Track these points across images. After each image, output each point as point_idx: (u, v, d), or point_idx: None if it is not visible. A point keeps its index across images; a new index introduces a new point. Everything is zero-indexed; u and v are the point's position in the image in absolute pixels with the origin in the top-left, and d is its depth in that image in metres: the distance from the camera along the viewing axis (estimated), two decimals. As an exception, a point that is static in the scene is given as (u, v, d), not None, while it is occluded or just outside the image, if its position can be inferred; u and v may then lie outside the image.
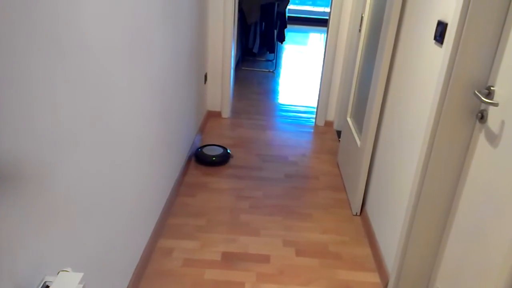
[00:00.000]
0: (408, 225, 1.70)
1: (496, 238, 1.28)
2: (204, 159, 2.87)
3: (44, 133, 0.99)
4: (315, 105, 4.12)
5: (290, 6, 7.65)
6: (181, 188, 2.58)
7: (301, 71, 5.55)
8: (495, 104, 1.32)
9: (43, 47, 0.95)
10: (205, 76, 3.51)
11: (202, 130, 3.39)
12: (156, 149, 2.01)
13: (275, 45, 5.47)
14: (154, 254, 2.02)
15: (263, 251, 2.10)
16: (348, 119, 2.85)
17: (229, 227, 2.26)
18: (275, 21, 5.27)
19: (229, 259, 2.02)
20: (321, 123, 3.75)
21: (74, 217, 1.19)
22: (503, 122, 1.29)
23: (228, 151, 2.98)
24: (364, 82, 2.55)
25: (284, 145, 3.30)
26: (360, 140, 2.47)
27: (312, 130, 3.64)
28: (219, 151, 2.95)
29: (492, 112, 1.37)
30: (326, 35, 3.51)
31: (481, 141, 1.42)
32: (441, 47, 1.53)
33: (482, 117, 1.42)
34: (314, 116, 3.95)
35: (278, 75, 5.27)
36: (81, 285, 0.98)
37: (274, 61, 5.79)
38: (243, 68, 5.41)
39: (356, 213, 2.46)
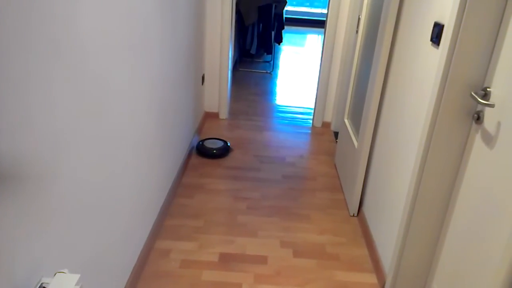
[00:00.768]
0: (405, 226, 1.71)
1: (492, 239, 1.28)
2: (205, 152, 3.00)
3: (41, 134, 0.99)
4: (313, 106, 4.12)
5: (287, 7, 7.66)
6: (178, 189, 2.58)
7: (299, 72, 5.56)
8: (491, 105, 1.33)
9: (40, 47, 0.95)
10: (203, 77, 3.51)
11: (199, 131, 3.39)
12: (153, 150, 2.01)
13: (272, 46, 5.47)
14: (152, 255, 2.01)
15: (261, 252, 2.10)
16: (346, 120, 2.86)
17: (227, 228, 2.26)
18: (272, 23, 5.28)
19: (227, 260, 2.02)
20: (318, 124, 3.75)
21: (71, 218, 1.18)
22: (499, 123, 1.30)
23: (228, 144, 3.12)
24: (361, 83, 2.56)
25: (281, 146, 3.30)
26: (357, 141, 2.47)
27: (310, 131, 3.65)
28: (220, 144, 3.08)
29: (488, 113, 1.37)
30: (323, 36, 3.52)
31: (478, 142, 1.43)
32: (437, 48, 1.53)
33: (478, 118, 1.43)
34: (311, 117, 3.95)
35: (276, 76, 5.27)
36: (78, 287, 0.98)
37: (272, 62, 5.79)
38: (240, 69, 5.41)
39: (353, 214, 2.46)
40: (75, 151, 1.17)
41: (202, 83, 3.52)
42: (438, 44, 1.52)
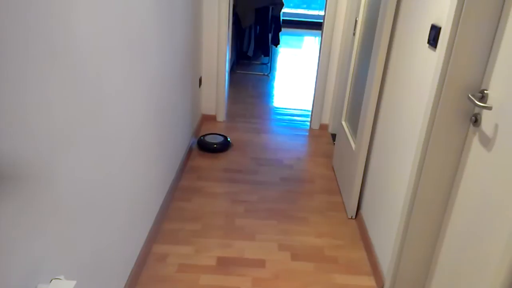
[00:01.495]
0: (403, 229, 1.70)
1: (491, 241, 1.28)
2: (207, 146, 3.12)
3: (36, 137, 0.98)
4: (310, 108, 4.12)
5: (284, 10, 7.68)
6: (176, 192, 2.57)
7: (296, 74, 5.56)
8: (489, 108, 1.32)
9: (37, 49, 0.94)
10: (200, 80, 3.51)
11: (197, 134, 3.38)
12: (150, 153, 2.00)
13: (269, 48, 5.47)
14: (149, 259, 2.00)
15: (259, 255, 2.09)
16: (343, 122, 2.86)
17: (225, 231, 2.25)
18: (269, 25, 5.28)
19: (225, 264, 2.01)
20: (316, 126, 3.75)
21: (67, 223, 1.17)
22: (496, 126, 1.30)
23: (228, 139, 3.23)
24: (359, 85, 2.55)
25: (279, 149, 3.29)
26: (355, 143, 2.47)
27: (307, 133, 3.65)
28: (220, 139, 3.20)
29: (485, 116, 1.37)
30: (320, 38, 3.52)
31: (475, 144, 1.43)
32: (434, 50, 1.53)
33: (476, 120, 1.43)
34: (309, 119, 3.95)
35: (273, 78, 5.27)
36: (74, 293, 0.97)
37: (269, 64, 5.80)
38: (238, 71, 5.41)
39: (352, 216, 2.46)
40: (71, 156, 1.16)
41: (200, 86, 3.51)
42: (435, 47, 1.52)
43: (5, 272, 0.90)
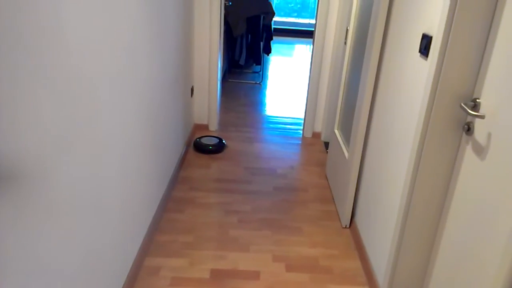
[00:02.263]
0: (398, 238, 1.69)
1: (487, 250, 1.27)
2: (202, 148, 3.24)
3: (26, 147, 0.95)
4: (302, 117, 4.12)
5: (275, 18, 7.72)
6: (168, 203, 2.54)
7: (288, 83, 5.57)
8: (481, 117, 1.32)
9: (26, 60, 0.92)
10: (192, 89, 3.49)
11: (189, 144, 3.35)
12: (142, 164, 1.97)
13: (261, 57, 5.48)
14: (141, 273, 1.96)
15: (253, 267, 2.06)
16: (336, 130, 2.85)
17: (218, 243, 2.22)
18: (261, 33, 5.30)
19: (218, 277, 1.98)
20: (308, 134, 3.75)
21: (55, 238, 1.14)
22: (489, 134, 1.30)
23: (223, 141, 3.34)
24: (351, 94, 2.56)
25: (272, 158, 3.28)
26: (348, 151, 2.46)
27: (300, 142, 3.64)
28: (215, 141, 3.33)
29: (478, 124, 1.37)
30: (312, 47, 3.54)
31: (468, 153, 1.43)
32: (426, 60, 1.54)
33: (468, 129, 1.43)
34: (301, 127, 3.95)
35: (265, 87, 5.28)
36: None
37: (261, 72, 5.81)
38: (229, 80, 5.41)
39: (346, 225, 2.44)
40: (61, 166, 1.13)
41: (191, 95, 3.49)
42: (427, 56, 1.52)
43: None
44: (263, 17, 5.18)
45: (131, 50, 1.71)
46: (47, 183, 1.07)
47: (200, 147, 3.24)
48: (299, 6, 10.29)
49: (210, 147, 3.23)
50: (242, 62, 5.40)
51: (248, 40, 5.40)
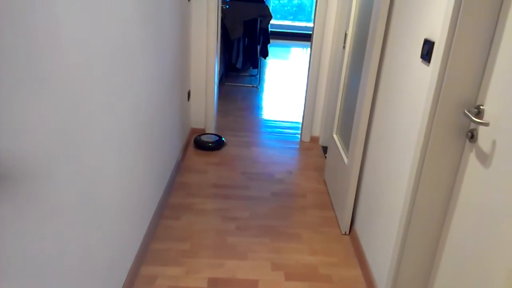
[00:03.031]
0: (400, 246, 1.66)
1: (491, 259, 1.24)
2: (202, 145, 3.35)
3: (21, 157, 0.91)
4: (300, 120, 4.09)
5: (271, 21, 7.70)
6: (165, 210, 2.49)
7: (285, 86, 5.54)
8: (486, 124, 1.30)
9: (20, 71, 0.88)
10: (189, 93, 3.45)
11: (186, 148, 3.31)
12: (138, 170, 1.93)
13: (258, 60, 5.46)
14: (137, 282, 1.92)
15: (251, 276, 2.02)
16: (334, 135, 2.82)
17: (215, 251, 2.17)
18: (258, 37, 5.27)
19: (216, 286, 1.94)
20: (306, 139, 3.72)
21: (50, 249, 1.10)
22: (494, 142, 1.27)
23: (223, 139, 3.46)
24: (350, 99, 2.53)
25: (270, 162, 3.24)
26: (347, 157, 2.43)
27: (298, 146, 3.61)
28: (215, 138, 3.44)
29: (482, 132, 1.34)
30: (310, 51, 3.51)
31: (472, 160, 1.40)
32: (428, 65, 1.51)
33: (472, 136, 1.40)
34: (299, 131, 3.92)
35: (262, 90, 5.25)
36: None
37: (258, 76, 5.78)
38: (226, 83, 5.38)
39: (345, 232, 2.41)
40: (55, 173, 1.09)
41: (188, 99, 3.45)
42: (429, 62, 1.49)
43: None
44: (260, 21, 5.15)
45: (126, 54, 1.67)
46: (42, 190, 1.03)
47: (200, 144, 3.35)
48: (295, 9, 10.28)
49: (210, 144, 3.34)
50: (239, 65, 5.37)
51: (245, 44, 5.38)
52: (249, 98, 4.87)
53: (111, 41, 1.48)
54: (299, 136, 3.83)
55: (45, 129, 1.05)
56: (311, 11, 9.73)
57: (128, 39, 1.67)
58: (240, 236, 2.31)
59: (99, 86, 1.39)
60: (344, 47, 2.68)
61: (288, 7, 10.30)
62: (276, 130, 3.95)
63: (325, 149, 3.56)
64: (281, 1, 10.23)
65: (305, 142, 3.71)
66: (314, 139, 3.72)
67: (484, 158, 1.32)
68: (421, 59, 1.58)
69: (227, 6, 4.94)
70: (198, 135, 3.47)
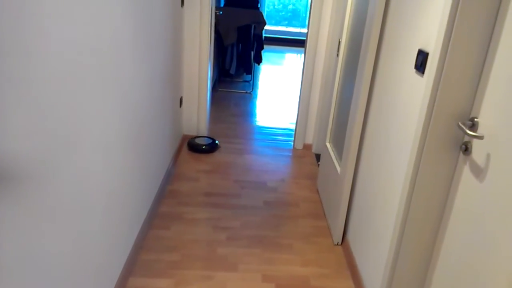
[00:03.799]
0: (392, 258, 1.63)
1: (485, 273, 1.21)
2: (196, 148, 3.38)
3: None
4: (293, 127, 4.07)
5: (266, 27, 7.69)
6: (154, 219, 2.44)
7: (279, 92, 5.52)
8: (480, 137, 1.27)
9: (5, 78, 0.84)
10: (181, 100, 3.41)
11: (177, 155, 3.27)
12: (126, 178, 1.88)
13: (252, 66, 5.43)
14: (124, 295, 1.87)
15: (242, 288, 1.98)
16: (327, 144, 2.80)
17: (205, 262, 2.13)
18: (252, 43, 5.25)
19: (205, 298, 1.89)
20: (299, 146, 3.69)
21: (28, 258, 1.05)
22: (488, 155, 1.25)
23: (216, 142, 3.49)
24: (343, 107, 2.51)
25: (262, 170, 3.21)
26: (340, 166, 2.40)
27: (291, 154, 3.58)
28: (209, 141, 3.48)
29: (476, 145, 1.32)
30: (303, 59, 3.49)
31: (466, 173, 1.37)
32: (422, 76, 1.49)
33: (466, 149, 1.38)
34: (292, 139, 3.89)
35: (256, 96, 5.22)
36: None
37: (251, 82, 5.75)
38: (220, 89, 5.34)
39: (338, 242, 2.37)
40: (43, 183, 1.05)
41: (180, 106, 3.41)
42: (423, 73, 1.47)
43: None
44: (254, 27, 5.14)
45: (115, 59, 1.63)
46: (29, 196, 0.99)
47: (194, 147, 3.38)
48: (289, 14, 10.30)
49: (204, 147, 3.38)
50: (232, 71, 5.34)
51: (238, 49, 5.36)
52: (242, 104, 4.84)
53: (99, 46, 1.44)
54: (292, 143, 3.80)
55: (27, 139, 1.00)
56: (305, 17, 9.74)
57: (117, 44, 1.64)
58: (231, 246, 2.27)
59: (87, 91, 1.35)
60: (337, 55, 2.66)
61: (283, 13, 10.32)
62: (269, 137, 3.92)
63: (318, 156, 3.53)
64: (275, 6, 10.25)
65: (298, 149, 3.68)
66: (307, 147, 3.70)
67: (479, 172, 1.29)
68: (415, 70, 1.55)
69: (221, 12, 4.92)
70: (192, 138, 3.49)
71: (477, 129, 1.33)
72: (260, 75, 6.40)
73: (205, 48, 3.39)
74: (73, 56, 1.24)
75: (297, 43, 9.07)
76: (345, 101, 2.47)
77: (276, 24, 10.04)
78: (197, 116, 3.61)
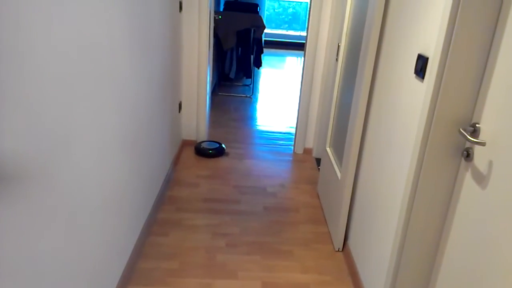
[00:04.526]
0: (394, 265, 1.60)
1: (488, 280, 1.18)
2: (203, 152, 3.40)
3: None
4: (293, 131, 4.04)
5: (265, 30, 7.68)
6: (153, 226, 2.42)
7: (279, 96, 5.51)
8: (482, 143, 1.25)
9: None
10: (180, 105, 3.40)
11: (176, 161, 3.25)
12: (125, 185, 1.86)
13: (251, 70, 5.42)
14: (122, 304, 1.84)
15: (241, 296, 1.95)
16: (328, 149, 2.77)
17: (204, 269, 2.10)
18: (251, 47, 5.24)
19: (204, 307, 1.86)
20: (299, 150, 3.67)
21: (24, 265, 1.03)
22: (491, 162, 1.22)
23: (223, 146, 3.51)
24: (343, 112, 2.48)
25: (262, 175, 3.18)
26: (340, 172, 2.38)
27: (291, 158, 3.55)
28: (216, 145, 3.49)
29: (478, 151, 1.29)
30: (303, 63, 3.47)
31: (468, 180, 1.35)
32: (422, 82, 1.46)
33: (468, 155, 1.35)
34: (292, 143, 3.86)
35: (256, 100, 5.20)
36: None
37: (251, 86, 5.74)
38: (220, 93, 5.33)
39: (338, 248, 2.34)
40: (40, 186, 1.03)
41: (179, 111, 3.40)
42: (423, 78, 1.45)
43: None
44: (254, 31, 5.13)
45: (112, 64, 1.61)
46: (22, 199, 0.96)
47: (201, 151, 3.40)
48: (290, 17, 10.31)
49: (210, 151, 3.39)
50: (232, 75, 5.33)
51: (238, 53, 5.34)
52: (242, 109, 4.82)
53: (97, 49, 1.42)
54: (292, 147, 3.78)
55: (25, 139, 0.98)
56: (305, 20, 9.74)
57: (114, 48, 1.62)
58: (230, 253, 2.24)
59: (82, 100, 1.33)
60: (337, 59, 2.64)
61: (283, 16, 10.32)
62: (270, 141, 3.90)
63: (318, 161, 3.51)
64: (275, 10, 10.26)
65: (299, 154, 3.66)
66: (307, 151, 3.67)
67: (481, 179, 1.27)
68: (414, 75, 1.53)
69: (220, 17, 4.91)
70: (200, 142, 3.52)
71: (478, 135, 1.30)
72: (260, 79, 6.38)
73: (204, 52, 3.37)
74: (71, 58, 1.22)
75: (298, 46, 9.06)
76: (344, 105, 2.45)
77: (276, 27, 10.04)
78: (197, 121, 3.60)
